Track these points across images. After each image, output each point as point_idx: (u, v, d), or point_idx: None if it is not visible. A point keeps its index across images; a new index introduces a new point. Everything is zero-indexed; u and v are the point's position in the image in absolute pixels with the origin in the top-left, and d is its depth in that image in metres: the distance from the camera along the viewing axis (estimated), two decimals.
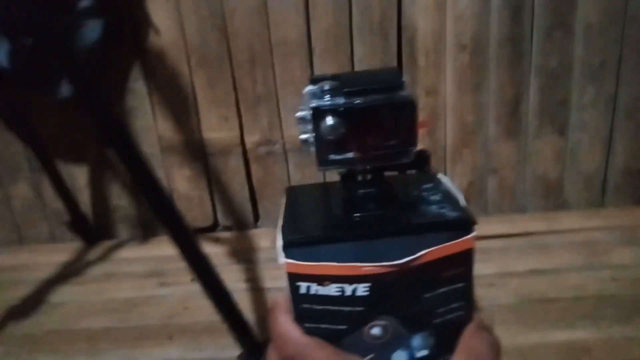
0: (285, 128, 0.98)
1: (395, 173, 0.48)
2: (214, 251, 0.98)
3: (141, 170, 0.57)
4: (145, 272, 0.98)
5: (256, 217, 1.08)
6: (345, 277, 0.38)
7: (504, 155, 0.99)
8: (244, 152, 1.01)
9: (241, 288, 0.89)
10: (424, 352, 0.42)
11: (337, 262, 0.39)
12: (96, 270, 1.00)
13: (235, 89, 0.96)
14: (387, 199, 0.46)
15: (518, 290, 0.82)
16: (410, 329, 0.42)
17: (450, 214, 0.42)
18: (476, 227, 0.43)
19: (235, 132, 0.99)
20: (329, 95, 0.41)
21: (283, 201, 0.50)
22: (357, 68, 0.93)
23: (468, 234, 0.41)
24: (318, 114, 0.41)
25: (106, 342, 0.80)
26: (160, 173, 1.00)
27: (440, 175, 0.51)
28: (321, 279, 0.39)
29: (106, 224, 1.09)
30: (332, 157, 0.42)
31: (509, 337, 0.70)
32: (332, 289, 0.40)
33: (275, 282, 0.91)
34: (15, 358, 0.78)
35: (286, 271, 0.40)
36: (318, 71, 0.93)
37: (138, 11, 0.90)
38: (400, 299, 0.41)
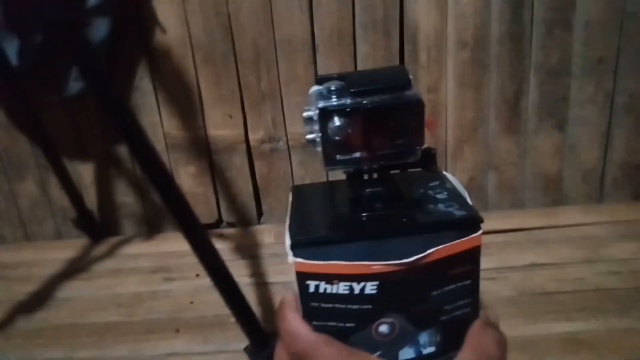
0: (289, 125, 1.00)
1: (399, 171, 0.49)
2: (218, 247, 0.99)
3: (153, 166, 0.58)
4: (151, 268, 0.99)
5: (260, 213, 1.10)
6: (354, 275, 0.39)
7: (504, 151, 1.00)
8: (248, 149, 1.03)
9: (245, 283, 0.90)
10: (430, 349, 0.43)
11: (346, 261, 0.40)
12: (102, 266, 1.01)
13: (240, 86, 0.97)
14: (394, 198, 0.46)
15: (518, 284, 0.83)
16: (417, 326, 0.43)
17: (458, 212, 0.43)
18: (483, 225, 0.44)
19: (240, 130, 1.01)
20: (335, 96, 0.41)
21: (289, 200, 0.51)
22: (360, 65, 0.94)
23: (475, 232, 0.42)
24: (325, 114, 0.41)
25: (114, 335, 0.82)
26: None
27: (446, 173, 0.52)
28: (330, 278, 0.40)
29: (111, 220, 1.10)
30: (339, 157, 0.43)
31: (509, 329, 0.71)
32: (340, 288, 0.41)
33: (279, 277, 0.92)
34: (27, 352, 0.79)
35: (295, 270, 0.41)
36: (322, 69, 0.94)
37: (144, 9, 0.91)
38: (407, 296, 0.42)
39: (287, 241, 0.43)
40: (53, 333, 0.84)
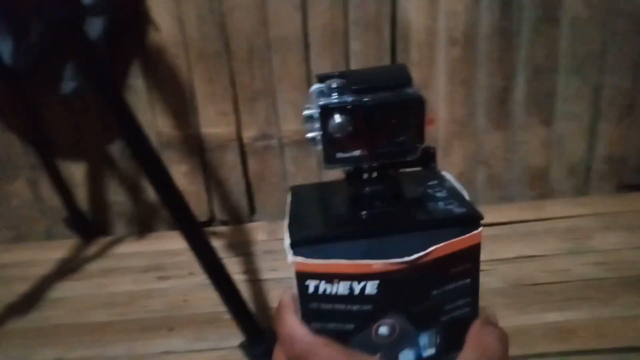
0: (282, 123, 1.00)
1: (398, 170, 0.49)
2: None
3: (152, 163, 0.59)
4: (144, 267, 0.99)
5: (252, 211, 1.10)
6: (354, 274, 0.40)
7: (493, 146, 1.02)
8: (241, 147, 1.03)
9: (238, 280, 0.90)
10: (430, 351, 0.43)
11: (347, 259, 0.41)
12: (95, 266, 1.01)
13: (233, 84, 0.97)
14: (394, 196, 0.47)
15: (507, 276, 0.85)
16: (417, 326, 0.43)
17: (458, 209, 0.43)
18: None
19: (233, 127, 1.01)
20: (336, 93, 0.42)
21: (288, 200, 0.51)
22: (352, 63, 0.95)
23: (476, 229, 0.43)
24: (326, 112, 0.42)
25: (110, 334, 0.82)
26: None
27: (444, 172, 0.53)
28: (330, 277, 0.41)
29: (103, 220, 1.10)
30: (339, 155, 0.43)
31: (499, 320, 0.73)
32: (341, 287, 0.41)
33: (272, 273, 0.93)
34: (21, 351, 0.79)
35: (295, 270, 0.41)
36: (315, 67, 0.94)
37: (139, 8, 0.90)
38: (408, 296, 0.42)
39: (287, 241, 0.43)
40: (47, 333, 0.83)
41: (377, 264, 0.39)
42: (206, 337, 0.80)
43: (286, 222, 0.48)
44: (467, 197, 0.47)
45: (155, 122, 1.00)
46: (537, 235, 0.96)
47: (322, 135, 0.42)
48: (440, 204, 0.44)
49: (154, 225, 1.10)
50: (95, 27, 0.80)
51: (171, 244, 1.05)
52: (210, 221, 1.10)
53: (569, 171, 1.04)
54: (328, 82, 0.42)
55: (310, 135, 0.42)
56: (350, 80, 0.42)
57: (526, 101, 0.98)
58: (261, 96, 0.98)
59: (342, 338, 0.41)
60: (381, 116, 0.41)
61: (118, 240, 1.08)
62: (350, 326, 0.41)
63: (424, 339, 0.42)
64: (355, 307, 0.40)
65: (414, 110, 0.41)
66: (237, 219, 1.10)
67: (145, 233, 1.10)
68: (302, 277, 0.41)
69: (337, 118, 0.41)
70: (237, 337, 0.71)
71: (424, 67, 0.96)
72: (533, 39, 0.93)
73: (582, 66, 0.95)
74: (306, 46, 0.93)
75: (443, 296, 0.42)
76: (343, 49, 0.94)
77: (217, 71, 0.96)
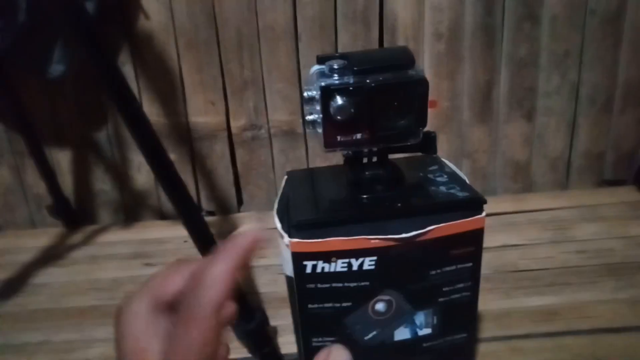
0: (271, 113, 1.01)
1: (398, 155, 0.48)
2: None
3: (150, 141, 0.59)
4: (129, 254, 0.98)
5: (240, 201, 1.10)
6: (352, 251, 0.40)
7: (476, 139, 1.04)
8: (230, 137, 1.04)
9: None
10: (427, 331, 0.44)
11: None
12: (80, 253, 1.00)
13: (222, 73, 0.98)
14: (395, 180, 0.46)
15: (491, 263, 0.87)
16: (414, 305, 0.43)
17: (460, 193, 0.44)
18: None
19: (222, 117, 1.02)
20: (338, 74, 0.41)
21: (282, 184, 0.51)
22: None
23: (479, 213, 0.43)
24: (327, 93, 0.41)
25: (94, 318, 0.81)
26: None
27: (444, 159, 0.53)
28: (328, 256, 0.40)
29: (88, 208, 1.09)
30: (340, 138, 0.42)
31: (484, 304, 0.74)
32: (339, 265, 0.41)
33: (261, 261, 0.93)
34: (3, 336, 0.78)
35: (291, 251, 0.40)
36: (304, 57, 0.96)
37: None
38: (406, 274, 0.42)
39: (278, 224, 0.43)
40: (30, 317, 0.82)
41: (375, 240, 0.39)
42: None
43: (276, 206, 0.49)
44: (467, 181, 0.47)
45: (143, 110, 1.00)
46: (520, 226, 0.98)
47: (323, 118, 0.40)
48: (442, 188, 0.44)
49: (141, 214, 1.10)
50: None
51: (158, 232, 1.04)
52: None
53: (549, 165, 1.07)
54: (329, 62, 0.41)
55: (310, 117, 0.41)
56: (352, 62, 0.41)
57: (508, 96, 1.01)
58: (250, 86, 0.99)
59: (338, 317, 0.42)
60: (383, 98, 0.40)
61: (103, 229, 1.07)
62: (347, 304, 0.41)
63: (420, 318, 0.43)
64: (352, 284, 0.40)
65: (417, 92, 0.40)
66: (224, 209, 1.10)
67: (131, 222, 1.09)
68: (298, 257, 0.40)
69: (339, 100, 0.40)
70: None
71: None
72: (515, 35, 0.96)
73: (562, 63, 0.98)
74: (296, 37, 0.95)
75: (442, 277, 0.43)
76: (332, 41, 0.96)
77: (206, 60, 0.97)
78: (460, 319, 0.45)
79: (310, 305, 0.39)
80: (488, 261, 0.88)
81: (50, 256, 0.98)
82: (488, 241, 0.95)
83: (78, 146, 1.04)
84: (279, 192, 0.48)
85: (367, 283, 0.41)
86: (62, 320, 0.81)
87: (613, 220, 0.97)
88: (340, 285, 0.41)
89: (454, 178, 0.46)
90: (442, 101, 1.00)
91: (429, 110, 0.44)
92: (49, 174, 0.99)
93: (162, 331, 0.26)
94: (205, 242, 0.66)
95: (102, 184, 1.07)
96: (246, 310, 0.68)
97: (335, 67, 0.40)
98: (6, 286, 0.89)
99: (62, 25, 0.72)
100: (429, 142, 0.45)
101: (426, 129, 0.45)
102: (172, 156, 1.04)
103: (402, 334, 0.43)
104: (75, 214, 1.07)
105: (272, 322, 0.70)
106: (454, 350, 0.46)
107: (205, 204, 1.10)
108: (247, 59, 0.97)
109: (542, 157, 1.06)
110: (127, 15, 0.93)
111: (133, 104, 0.60)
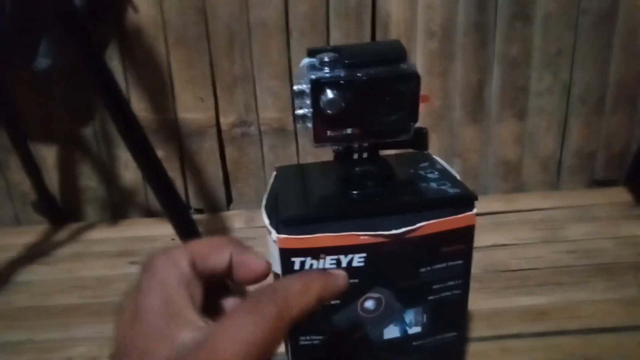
0: (261, 110, 1.00)
1: (388, 152, 0.47)
2: None
3: (136, 136, 0.58)
4: (115, 252, 0.97)
5: (229, 199, 1.09)
6: (341, 248, 0.39)
7: (468, 138, 1.04)
8: (219, 134, 1.02)
9: None
10: (416, 329, 0.43)
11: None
12: (64, 251, 0.98)
13: (212, 69, 0.97)
14: (386, 176, 0.45)
15: (482, 262, 0.87)
16: (404, 302, 0.42)
17: (451, 190, 0.43)
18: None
19: (211, 113, 1.00)
20: (328, 67, 0.40)
21: (271, 180, 0.50)
22: None
23: (470, 210, 0.42)
24: (318, 86, 0.39)
25: (80, 316, 0.79)
26: None
27: (435, 156, 0.52)
28: (316, 253, 0.39)
29: (74, 205, 1.07)
30: (330, 133, 0.40)
31: (475, 303, 0.74)
32: (327, 262, 0.40)
33: None
34: None
35: (279, 247, 0.39)
36: (295, 54, 0.95)
37: None
38: (395, 271, 0.41)
39: (266, 220, 0.42)
40: (13, 315, 0.80)
41: (364, 236, 0.38)
42: None
43: (264, 202, 0.47)
44: (459, 178, 0.46)
45: (132, 106, 0.98)
46: (511, 226, 0.98)
47: (313, 112, 0.39)
48: (433, 185, 0.43)
49: (127, 211, 1.08)
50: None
51: (145, 230, 1.03)
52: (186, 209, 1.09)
53: (540, 165, 1.06)
54: (320, 55, 0.39)
55: (299, 112, 0.40)
56: (343, 55, 0.40)
57: (500, 95, 1.01)
58: (240, 82, 0.97)
59: (327, 314, 0.40)
60: (375, 91, 0.39)
61: (90, 226, 1.05)
62: (336, 301, 0.40)
63: (409, 316, 0.42)
64: None
65: (409, 86, 0.39)
66: (213, 207, 1.09)
67: (118, 219, 1.07)
68: (286, 254, 0.39)
69: (329, 93, 0.38)
70: None
71: None
72: (507, 34, 0.96)
73: (554, 62, 0.98)
74: (287, 33, 0.94)
75: (432, 275, 0.42)
76: (324, 38, 0.95)
77: (196, 56, 0.95)
78: (451, 317, 0.44)
79: None
80: (479, 261, 0.88)
81: (34, 254, 0.96)
82: (479, 241, 0.95)
83: (64, 142, 1.02)
84: (268, 188, 0.47)
85: (356, 280, 0.40)
86: (46, 319, 0.79)
87: (604, 220, 0.97)
88: None
89: (444, 175, 0.45)
90: (433, 100, 1.00)
91: (421, 106, 0.43)
92: (34, 170, 0.97)
93: (197, 297, 0.24)
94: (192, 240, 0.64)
95: (89, 180, 1.05)
96: None
97: (326, 60, 0.39)
98: None
99: (49, 18, 0.70)
100: (420, 139, 0.44)
101: (417, 125, 0.44)
102: (161, 153, 1.02)
103: (391, 332, 0.42)
104: (61, 211, 1.05)
105: None
106: (444, 348, 0.45)
107: (194, 202, 1.08)
108: (238, 55, 0.95)
109: (533, 156, 1.06)
110: (115, 8, 0.92)
111: (120, 100, 0.58)
